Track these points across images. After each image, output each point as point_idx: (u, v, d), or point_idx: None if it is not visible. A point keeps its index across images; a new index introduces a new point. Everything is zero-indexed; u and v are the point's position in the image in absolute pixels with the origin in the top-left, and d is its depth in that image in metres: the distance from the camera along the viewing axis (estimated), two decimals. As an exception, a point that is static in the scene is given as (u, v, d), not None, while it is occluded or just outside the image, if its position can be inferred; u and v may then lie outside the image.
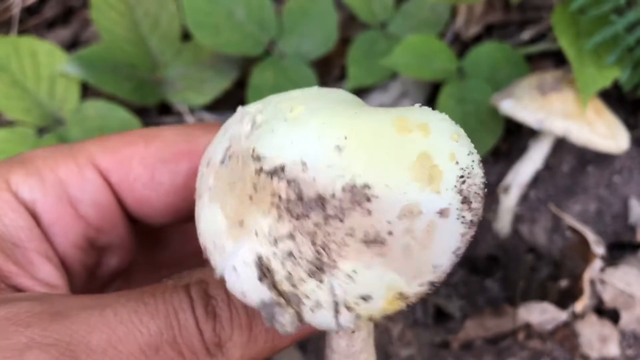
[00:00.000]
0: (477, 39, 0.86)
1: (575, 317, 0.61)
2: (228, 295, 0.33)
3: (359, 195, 0.26)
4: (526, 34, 0.85)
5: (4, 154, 0.75)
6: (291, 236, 0.27)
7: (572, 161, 0.77)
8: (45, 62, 0.79)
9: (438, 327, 0.67)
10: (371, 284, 0.27)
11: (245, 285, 0.29)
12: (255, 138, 0.29)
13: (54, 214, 0.37)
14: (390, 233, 0.27)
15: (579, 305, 0.60)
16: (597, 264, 0.61)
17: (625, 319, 0.61)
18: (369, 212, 0.26)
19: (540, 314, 0.59)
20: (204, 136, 0.39)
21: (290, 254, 0.27)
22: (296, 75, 0.81)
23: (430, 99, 0.82)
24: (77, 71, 0.78)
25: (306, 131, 0.28)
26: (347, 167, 0.27)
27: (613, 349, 0.60)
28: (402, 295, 0.28)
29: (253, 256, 0.28)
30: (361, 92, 0.83)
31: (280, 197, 0.27)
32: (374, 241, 0.27)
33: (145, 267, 0.46)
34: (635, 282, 0.60)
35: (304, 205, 0.27)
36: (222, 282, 0.30)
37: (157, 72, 0.82)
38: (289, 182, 0.27)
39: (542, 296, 0.65)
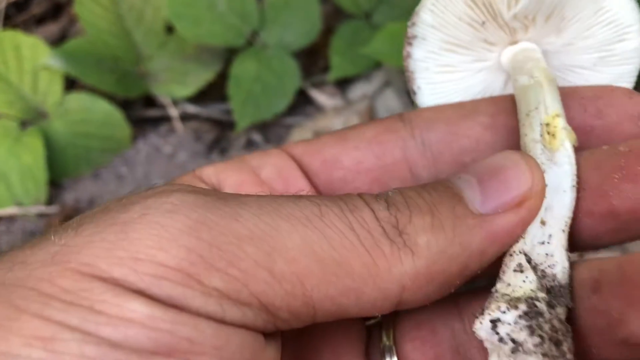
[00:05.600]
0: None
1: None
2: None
3: None
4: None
5: (-14, 147, 0.75)
6: None
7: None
8: (29, 55, 0.79)
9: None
10: None
11: None
12: None
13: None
14: None
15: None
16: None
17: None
18: None
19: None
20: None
21: None
22: (279, 65, 0.80)
23: (415, 89, 0.81)
24: (60, 64, 0.78)
25: None
26: None
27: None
28: None
29: None
30: (345, 82, 0.83)
31: None
32: None
33: None
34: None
35: None
36: None
37: (141, 65, 0.82)
38: None
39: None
